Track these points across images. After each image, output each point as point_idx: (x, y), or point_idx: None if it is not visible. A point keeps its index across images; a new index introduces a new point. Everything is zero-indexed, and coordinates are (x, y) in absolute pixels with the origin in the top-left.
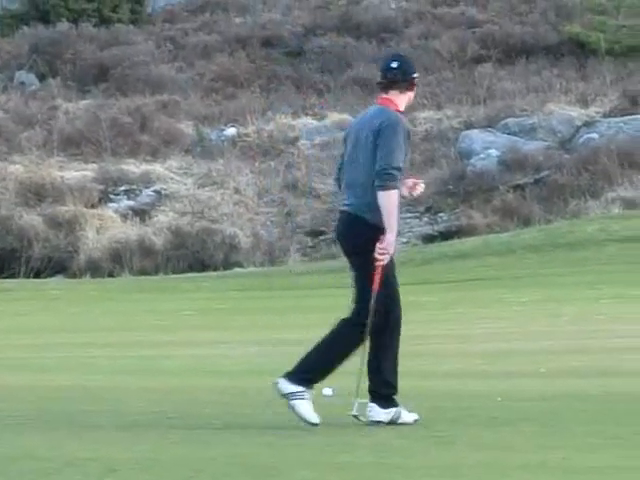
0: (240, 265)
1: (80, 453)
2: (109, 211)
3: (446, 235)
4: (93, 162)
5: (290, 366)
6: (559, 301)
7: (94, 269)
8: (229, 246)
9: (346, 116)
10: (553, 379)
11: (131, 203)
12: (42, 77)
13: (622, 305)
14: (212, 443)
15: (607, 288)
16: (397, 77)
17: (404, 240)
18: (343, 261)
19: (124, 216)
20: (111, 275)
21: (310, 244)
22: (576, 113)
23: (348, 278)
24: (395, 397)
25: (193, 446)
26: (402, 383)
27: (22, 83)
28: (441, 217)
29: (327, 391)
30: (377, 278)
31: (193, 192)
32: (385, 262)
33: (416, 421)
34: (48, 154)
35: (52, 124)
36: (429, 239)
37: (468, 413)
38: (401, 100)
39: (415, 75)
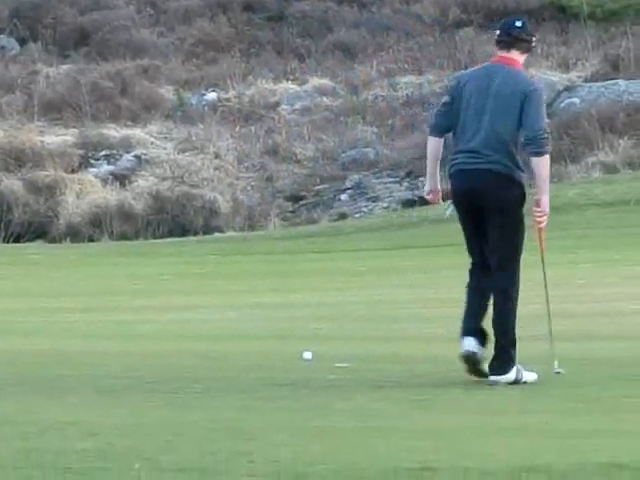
0: (220, 230)
1: (60, 417)
2: (89, 176)
3: (426, 200)
4: (73, 127)
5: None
6: (540, 265)
7: (74, 234)
8: (209, 211)
9: (327, 81)
10: (534, 343)
11: (111, 168)
12: (23, 41)
13: (602, 269)
14: (192, 407)
15: (588, 252)
16: (522, 35)
17: (384, 205)
18: (322, 226)
19: (104, 181)
20: (91, 240)
21: (290, 209)
22: (557, 78)
23: (326, 244)
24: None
25: (173, 410)
26: (383, 347)
27: (2, 47)
28: (421, 182)
29: (307, 355)
30: (542, 239)
31: (173, 157)
32: (545, 224)
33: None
34: (28, 119)
35: (32, 88)
36: (409, 204)
37: (449, 377)
38: (521, 61)
39: (535, 38)
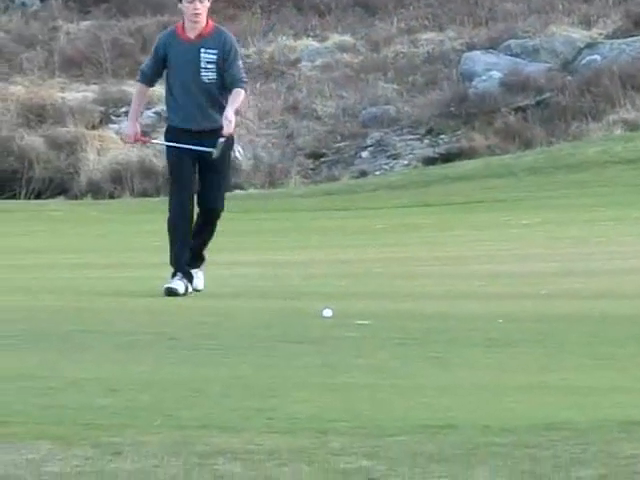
0: (241, 187)
1: (80, 374)
2: (110, 132)
3: (447, 157)
4: (94, 83)
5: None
6: (560, 223)
7: (95, 191)
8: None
9: (347, 38)
10: (552, 301)
11: None
12: None
13: (622, 227)
14: (211, 364)
15: (608, 210)
16: None
17: (405, 162)
18: (343, 184)
19: None
20: (112, 197)
21: (311, 166)
22: (578, 35)
23: (347, 201)
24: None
25: (192, 367)
26: (402, 305)
27: (23, 4)
28: (442, 139)
29: (327, 312)
30: None
31: None
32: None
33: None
34: (49, 75)
35: (53, 45)
36: (430, 161)
37: (465, 334)
38: None
39: None
